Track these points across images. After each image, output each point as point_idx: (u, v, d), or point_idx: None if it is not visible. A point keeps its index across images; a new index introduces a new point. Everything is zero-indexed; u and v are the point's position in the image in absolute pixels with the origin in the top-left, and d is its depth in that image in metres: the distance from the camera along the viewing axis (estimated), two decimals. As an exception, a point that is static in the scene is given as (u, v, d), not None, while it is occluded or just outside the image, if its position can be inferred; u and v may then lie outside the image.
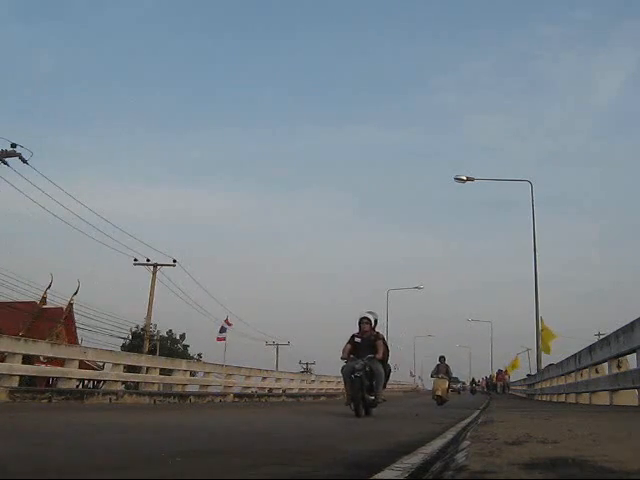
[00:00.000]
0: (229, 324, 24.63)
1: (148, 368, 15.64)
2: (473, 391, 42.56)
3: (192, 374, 18.19)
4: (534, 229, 21.83)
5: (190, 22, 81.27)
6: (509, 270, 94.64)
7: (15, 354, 10.76)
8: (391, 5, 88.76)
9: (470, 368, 77.01)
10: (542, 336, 21.42)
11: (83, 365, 14.12)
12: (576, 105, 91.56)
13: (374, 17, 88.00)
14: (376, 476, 2.37)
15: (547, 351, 21.95)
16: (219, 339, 24.07)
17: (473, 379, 48.81)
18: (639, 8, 71.46)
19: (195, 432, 5.02)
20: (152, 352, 28.10)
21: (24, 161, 17.57)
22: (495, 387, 42.97)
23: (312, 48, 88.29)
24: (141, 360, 16.09)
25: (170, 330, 43.51)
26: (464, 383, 61.11)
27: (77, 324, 25.87)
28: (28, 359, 12.43)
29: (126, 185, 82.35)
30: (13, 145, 17.36)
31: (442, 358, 17.04)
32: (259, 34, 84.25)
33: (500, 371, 44.73)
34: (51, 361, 14.46)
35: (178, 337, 44.65)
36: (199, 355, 41.21)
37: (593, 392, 12.06)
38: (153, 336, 33.95)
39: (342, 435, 5.19)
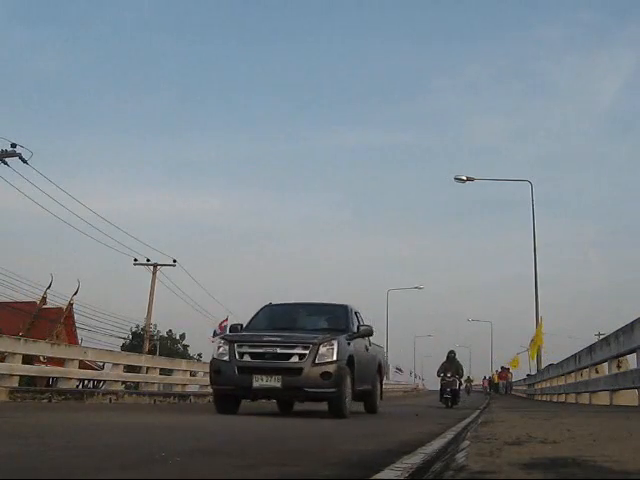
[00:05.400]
0: (221, 329, 24.62)
1: (148, 368, 15.64)
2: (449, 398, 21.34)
3: (192, 374, 18.18)
4: (534, 229, 21.89)
5: (189, 23, 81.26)
6: (509, 270, 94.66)
7: (15, 354, 10.75)
8: (391, 7, 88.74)
9: (470, 368, 76.55)
10: (535, 339, 21.38)
11: (83, 365, 14.12)
12: (576, 106, 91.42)
13: (374, 19, 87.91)
14: (376, 476, 2.37)
15: (532, 356, 21.99)
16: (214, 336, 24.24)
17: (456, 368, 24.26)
18: (639, 10, 71.35)
19: (195, 432, 5.02)
20: (152, 352, 28.09)
21: (24, 161, 17.55)
22: (497, 387, 40.17)
23: (311, 49, 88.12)
24: (141, 360, 16.09)
25: (170, 330, 43.66)
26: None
27: (77, 324, 25.93)
28: (28, 359, 12.42)
29: (126, 185, 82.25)
30: (13, 145, 17.33)
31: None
32: (256, 36, 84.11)
33: (503, 369, 40.34)
34: (51, 361, 14.46)
35: (178, 337, 44.78)
36: (199, 355, 41.21)
37: (593, 392, 12.06)
38: (153, 336, 33.97)
39: (342, 435, 5.20)
